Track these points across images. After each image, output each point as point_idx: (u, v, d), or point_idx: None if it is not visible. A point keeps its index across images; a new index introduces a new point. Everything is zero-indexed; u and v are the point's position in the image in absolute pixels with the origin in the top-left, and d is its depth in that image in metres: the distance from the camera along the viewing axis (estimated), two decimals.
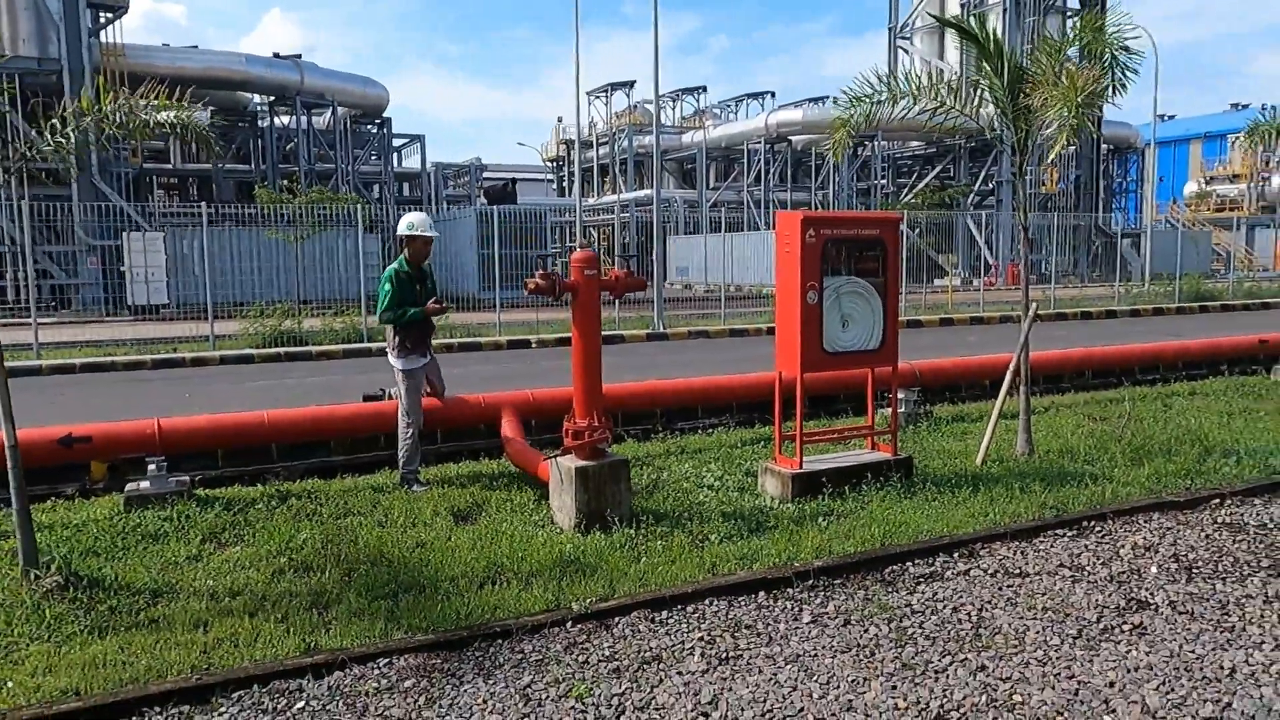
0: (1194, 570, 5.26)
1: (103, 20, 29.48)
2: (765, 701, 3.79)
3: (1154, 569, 5.28)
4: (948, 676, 3.98)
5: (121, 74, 28.47)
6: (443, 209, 40.69)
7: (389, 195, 40.66)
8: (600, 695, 3.87)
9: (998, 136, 8.40)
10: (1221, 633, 4.40)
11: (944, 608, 4.76)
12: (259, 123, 38.00)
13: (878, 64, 47.89)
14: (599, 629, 4.56)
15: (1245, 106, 61.26)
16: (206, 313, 17.73)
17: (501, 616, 4.60)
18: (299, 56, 37.09)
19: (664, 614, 4.72)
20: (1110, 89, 6.83)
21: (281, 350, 16.70)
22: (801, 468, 6.73)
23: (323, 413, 8.14)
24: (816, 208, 44.51)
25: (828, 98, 44.78)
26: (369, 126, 40.61)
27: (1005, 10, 40.70)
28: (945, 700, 3.77)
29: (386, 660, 4.20)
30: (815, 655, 4.22)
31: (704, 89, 57.70)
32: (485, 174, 53.39)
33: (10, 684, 3.97)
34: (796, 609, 4.78)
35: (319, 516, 6.29)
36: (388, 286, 7.05)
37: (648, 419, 9.70)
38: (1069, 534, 5.93)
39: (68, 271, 26.51)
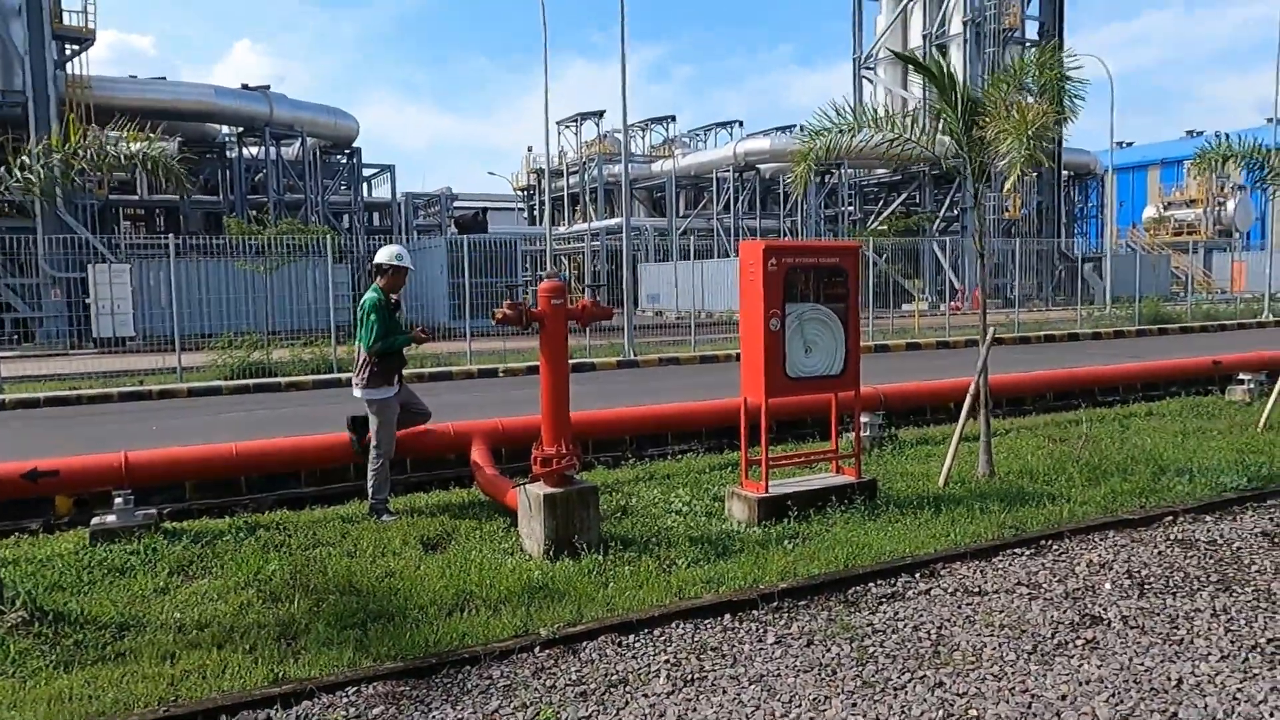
0: (1146, 586, 5.42)
1: (69, 52, 29.39)
2: None
3: (1108, 585, 5.43)
4: (906, 693, 4.08)
5: (88, 106, 28.43)
6: (413, 238, 40.69)
7: (359, 225, 40.64)
8: (567, 718, 3.93)
9: (954, 167, 8.65)
10: (1170, 646, 4.54)
11: (905, 626, 4.87)
12: (227, 154, 37.93)
13: (845, 94, 48.72)
14: (566, 654, 4.62)
15: (1200, 133, 63.05)
16: (173, 345, 17.62)
17: (470, 643, 4.65)
18: (268, 88, 37.15)
19: (631, 638, 4.79)
20: (1060, 121, 7.08)
21: (250, 381, 16.61)
22: (767, 492, 6.84)
23: (291, 444, 8.15)
24: (785, 235, 45.06)
25: (794, 126, 45.47)
26: (339, 157, 40.67)
27: (966, 42, 41.67)
28: (903, 716, 3.87)
29: (355, 688, 4.24)
30: (779, 675, 4.31)
31: (673, 118, 58.43)
32: (456, 203, 53.49)
33: None
34: (761, 630, 4.87)
35: (288, 547, 6.30)
36: (374, 316, 7.11)
37: (617, 446, 9.79)
38: (1027, 553, 6.07)
39: (31, 305, 26.23)
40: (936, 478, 7.74)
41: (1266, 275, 32.69)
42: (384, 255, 7.36)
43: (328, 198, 39.16)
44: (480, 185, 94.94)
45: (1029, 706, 3.93)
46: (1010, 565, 5.84)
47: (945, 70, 7.17)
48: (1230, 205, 55.34)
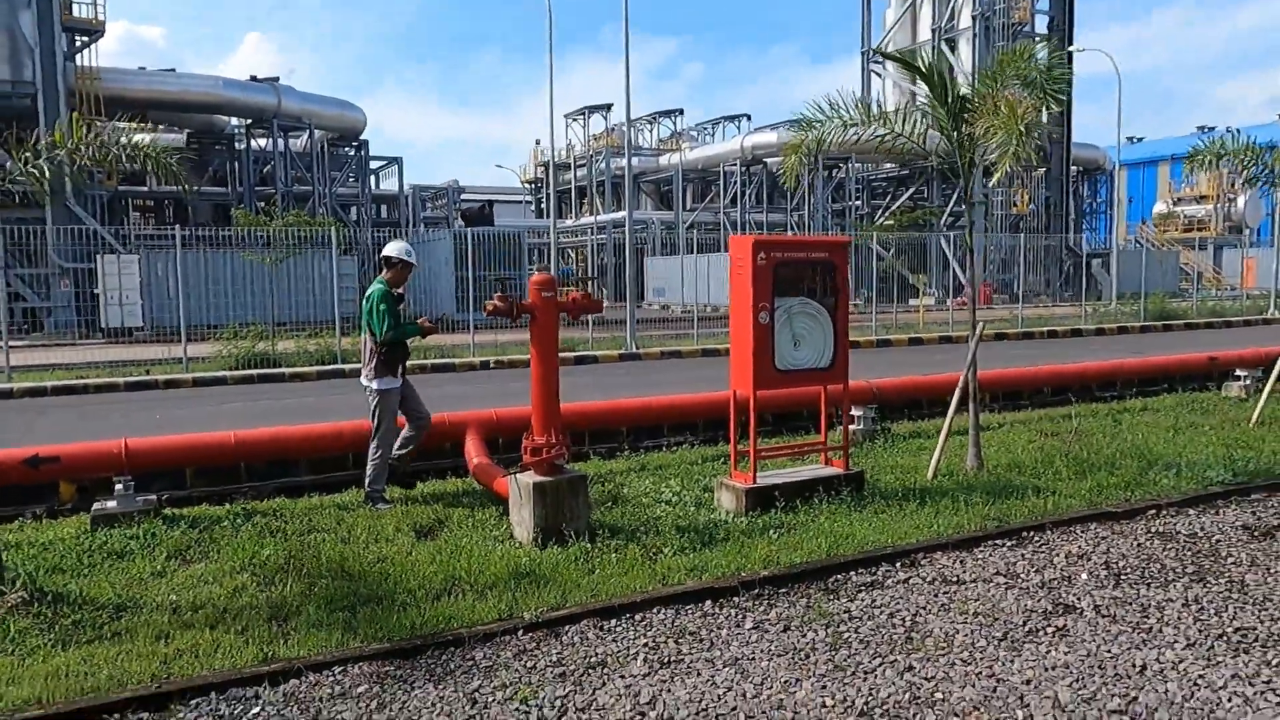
0: (1122, 576, 5.51)
1: (78, 44, 29.58)
2: (701, 701, 3.99)
3: (1084, 575, 5.53)
4: (875, 676, 4.20)
5: (97, 97, 28.64)
6: (420, 231, 40.85)
7: (366, 218, 40.80)
8: (544, 697, 4.05)
9: (944, 162, 8.73)
10: (1139, 634, 4.64)
11: (881, 614, 4.98)
12: (236, 145, 38.09)
13: (853, 89, 48.60)
14: (549, 637, 4.74)
15: (1212, 129, 62.64)
16: (180, 335, 17.81)
17: (455, 626, 4.78)
18: (276, 80, 37.28)
19: (613, 622, 4.91)
20: (1044, 109, 7.19)
21: (255, 372, 16.78)
22: (755, 482, 6.95)
23: (289, 433, 8.29)
24: (792, 229, 45.02)
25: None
26: (346, 149, 40.79)
27: (975, 36, 41.60)
28: (871, 698, 3.99)
29: (341, 668, 4.37)
30: (753, 659, 4.42)
31: (680, 112, 58.37)
32: (463, 196, 53.61)
33: None
34: (740, 616, 4.98)
35: (283, 533, 6.43)
36: (384, 306, 7.23)
37: (613, 438, 9.91)
38: (1008, 544, 6.17)
39: (40, 295, 26.47)
40: (925, 471, 7.83)
41: (1273, 271, 32.57)
42: (392, 249, 7.49)
43: (335, 190, 39.30)
44: (489, 179, 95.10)
45: (994, 690, 4.04)
46: (990, 556, 5.94)
47: (934, 68, 7.25)
48: (1240, 201, 55.07)
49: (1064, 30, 43.29)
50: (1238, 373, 12.38)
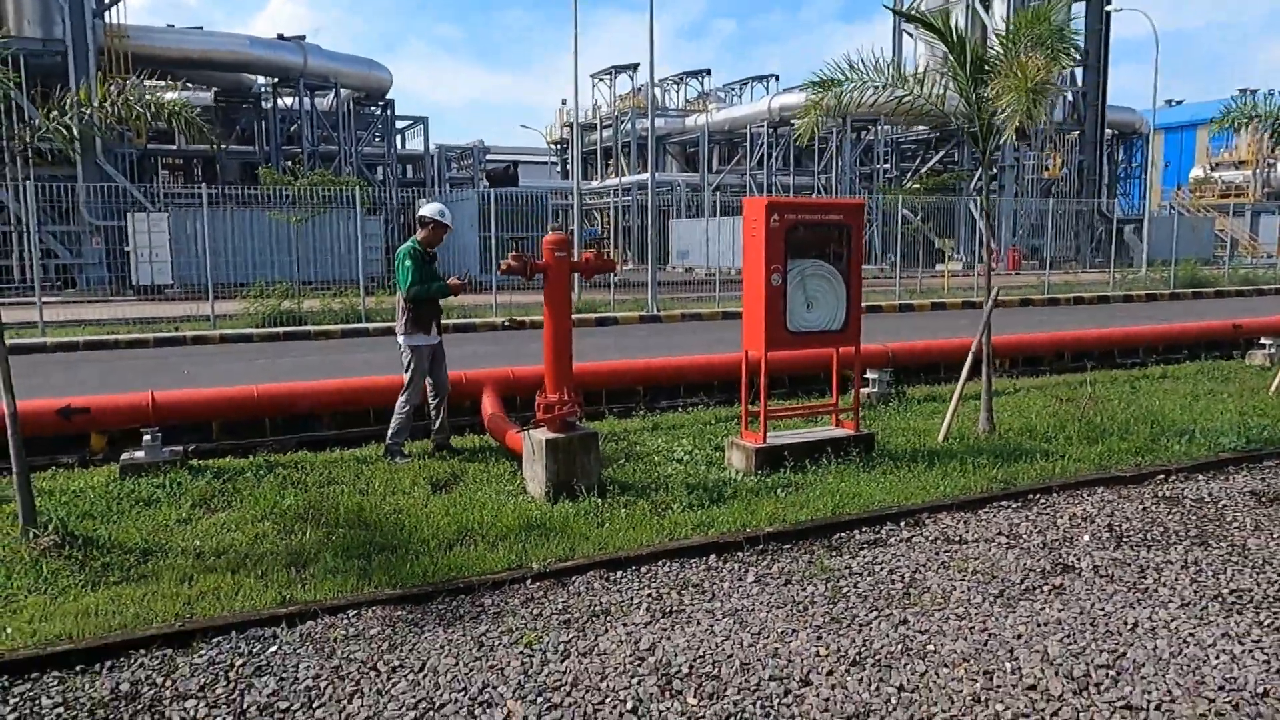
0: (1124, 538, 5.57)
1: (107, 1, 29.71)
2: (699, 649, 4.12)
3: (1086, 537, 5.59)
4: (870, 629, 4.31)
5: (125, 55, 28.82)
6: (446, 191, 40.91)
7: (392, 177, 40.91)
8: (548, 643, 4.21)
9: (961, 125, 8.67)
10: (1135, 593, 4.72)
11: (881, 570, 5.08)
12: (262, 104, 38.23)
13: (884, 47, 47.82)
14: (556, 586, 4.89)
15: (1254, 92, 61.00)
16: (208, 293, 18.09)
17: (465, 574, 4.94)
18: (303, 38, 37.28)
19: (619, 574, 5.05)
20: (1056, 70, 7.13)
21: (280, 330, 17.04)
22: (765, 442, 7.05)
23: (310, 388, 8.48)
24: (818, 192, 44.56)
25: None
26: (372, 109, 40.80)
27: None
28: (863, 649, 4.10)
29: (355, 611, 4.55)
30: (752, 610, 4.55)
31: (708, 72, 57.68)
32: (489, 157, 53.50)
33: (9, 630, 4.33)
34: (743, 570, 5.10)
35: (304, 485, 6.64)
36: (409, 263, 7.34)
37: (630, 397, 10.04)
38: (1013, 505, 6.24)
39: (72, 251, 26.90)
40: (937, 433, 7.89)
41: None
42: (429, 210, 7.57)
43: (361, 149, 39.39)
44: (515, 139, 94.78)
45: (985, 644, 4.14)
46: (994, 517, 6.01)
47: (952, 28, 7.18)
48: None
49: None
50: (1262, 340, 12.27)
